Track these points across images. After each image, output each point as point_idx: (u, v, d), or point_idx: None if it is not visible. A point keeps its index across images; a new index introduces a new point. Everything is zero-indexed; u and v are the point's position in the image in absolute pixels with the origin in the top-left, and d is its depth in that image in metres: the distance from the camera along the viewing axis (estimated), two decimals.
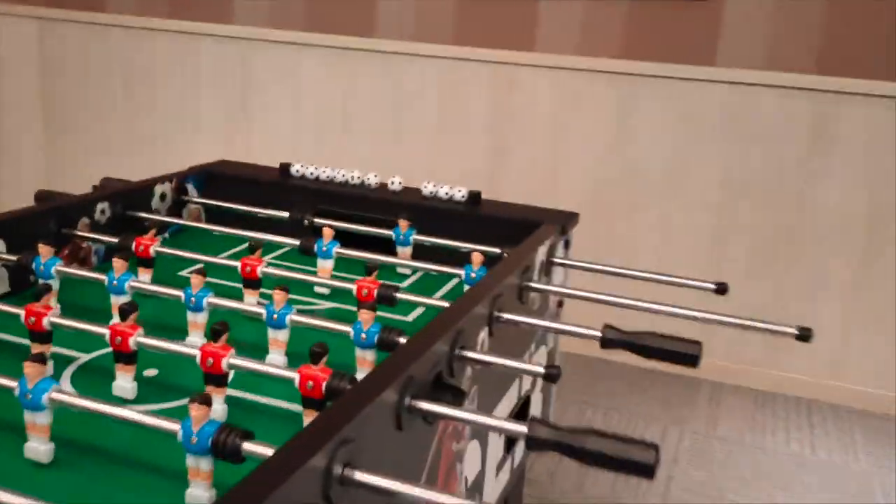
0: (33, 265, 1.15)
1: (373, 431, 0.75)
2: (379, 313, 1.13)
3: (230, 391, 0.94)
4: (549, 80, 2.69)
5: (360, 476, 0.69)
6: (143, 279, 1.27)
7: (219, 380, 0.91)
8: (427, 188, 1.54)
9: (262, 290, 1.22)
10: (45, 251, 1.15)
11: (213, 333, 0.91)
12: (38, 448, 0.81)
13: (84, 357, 1.06)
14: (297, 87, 3.06)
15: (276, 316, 1.04)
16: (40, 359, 0.80)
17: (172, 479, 0.79)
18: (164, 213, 1.55)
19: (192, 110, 3.26)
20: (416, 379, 0.84)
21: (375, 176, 1.59)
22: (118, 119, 3.41)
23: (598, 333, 1.05)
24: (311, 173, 1.62)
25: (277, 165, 1.66)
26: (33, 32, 3.50)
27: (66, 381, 0.99)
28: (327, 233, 1.34)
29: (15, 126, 3.63)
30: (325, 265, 1.33)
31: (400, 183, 1.57)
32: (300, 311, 1.05)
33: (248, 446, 0.72)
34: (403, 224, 1.43)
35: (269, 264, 1.22)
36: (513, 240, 1.37)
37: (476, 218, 1.50)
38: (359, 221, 1.51)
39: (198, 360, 0.90)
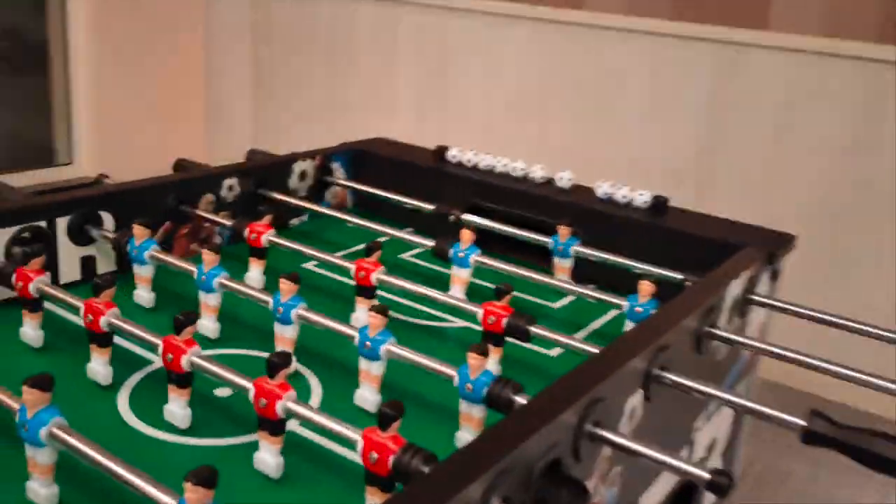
0: (127, 247, 1.02)
1: None
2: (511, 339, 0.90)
3: None
4: (782, 65, 2.27)
5: None
6: (253, 273, 1.11)
7: (273, 426, 0.71)
8: (601, 188, 1.26)
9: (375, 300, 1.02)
10: (139, 233, 1.01)
11: (269, 367, 0.71)
12: (39, 492, 0.65)
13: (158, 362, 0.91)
14: (493, 63, 2.85)
15: (369, 344, 0.82)
16: (42, 383, 0.64)
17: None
18: (303, 194, 1.39)
19: (387, 82, 3.15)
20: (517, 468, 0.59)
21: (541, 168, 1.33)
22: (319, 87, 3.37)
23: (801, 422, 0.74)
24: (469, 160, 1.39)
25: (452, 147, 1.43)
26: (246, 4, 3.55)
27: (125, 392, 0.84)
28: (466, 236, 1.10)
29: (227, 92, 3.72)
30: (461, 274, 1.10)
31: (570, 180, 1.30)
32: (425, 329, 0.83)
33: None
34: (564, 231, 1.16)
35: (396, 268, 1.01)
36: (701, 264, 1.06)
37: (658, 231, 1.20)
38: (514, 222, 1.26)
39: (250, 397, 0.71)
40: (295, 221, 1.38)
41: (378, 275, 1.00)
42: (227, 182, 1.25)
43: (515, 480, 0.60)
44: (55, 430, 0.63)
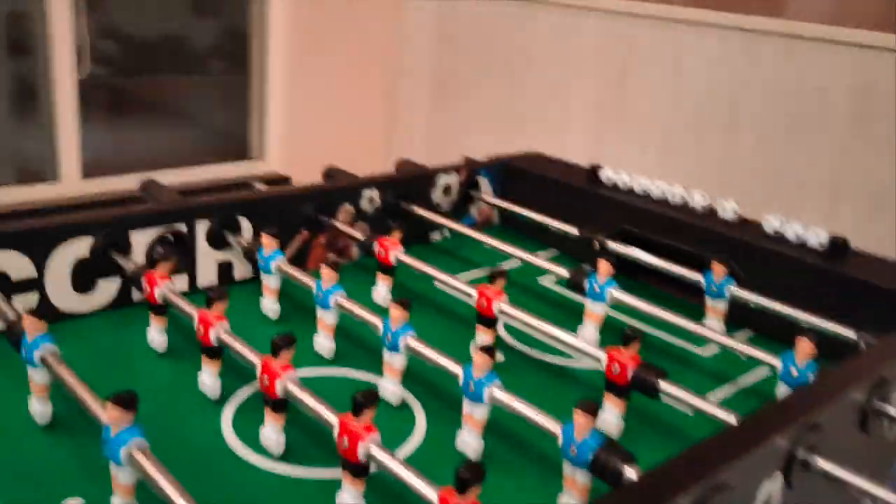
0: (256, 255, 1.02)
1: None
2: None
3: None
4: None
5: None
6: (380, 289, 1.08)
7: (355, 469, 0.67)
8: (771, 224, 1.12)
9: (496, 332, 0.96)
10: (267, 243, 1.01)
11: (354, 406, 0.66)
12: None
13: None
14: (677, 75, 2.68)
15: (473, 386, 0.76)
16: (125, 401, 0.63)
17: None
18: (446, 209, 1.35)
19: (563, 92, 3.06)
20: None
21: (703, 196, 1.20)
22: (493, 95, 3.35)
23: None
24: (624, 182, 1.28)
25: (606, 166, 1.34)
26: (434, 8, 3.58)
27: (232, 406, 0.83)
28: (604, 268, 1.01)
29: (408, 95, 3.78)
30: (595, 309, 1.01)
31: (734, 211, 1.17)
32: (548, 368, 0.76)
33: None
34: (718, 269, 1.04)
35: (530, 293, 0.94)
36: (883, 322, 0.91)
37: (832, 278, 1.04)
38: (665, 253, 1.15)
39: (335, 434, 0.67)
40: (436, 236, 1.34)
41: (500, 305, 0.93)
42: (368, 193, 1.23)
43: None
44: (133, 452, 0.62)
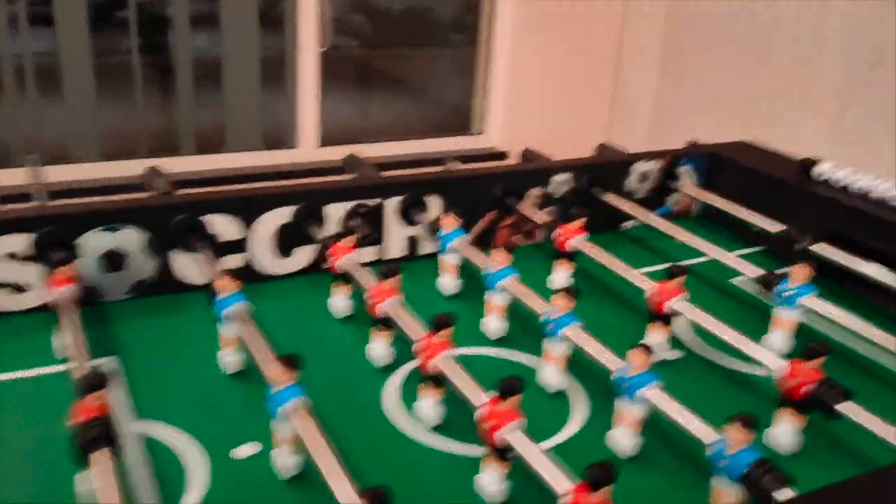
0: (437, 234, 1.05)
1: None
2: None
3: None
4: None
5: None
6: (558, 276, 1.07)
7: (497, 451, 0.68)
8: None
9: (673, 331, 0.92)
10: (447, 222, 1.04)
11: (501, 392, 0.67)
12: (285, 460, 0.70)
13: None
14: None
15: (628, 384, 0.74)
16: (289, 362, 0.68)
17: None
18: (640, 196, 1.30)
19: (802, 82, 2.82)
20: None
21: None
22: (725, 82, 3.16)
23: None
24: (839, 180, 1.17)
25: (823, 161, 1.23)
26: None
27: (398, 376, 0.88)
28: (798, 273, 0.93)
29: (634, 76, 3.67)
30: (783, 316, 0.94)
31: None
32: (725, 373, 0.73)
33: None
34: None
35: (722, 293, 0.90)
36: None
37: None
38: (879, 260, 1.04)
39: (479, 415, 0.68)
40: (628, 224, 1.30)
41: (674, 304, 0.89)
42: (558, 178, 1.22)
43: None
44: (290, 410, 0.67)
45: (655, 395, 0.72)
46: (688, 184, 1.33)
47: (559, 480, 0.61)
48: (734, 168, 1.31)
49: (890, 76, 2.51)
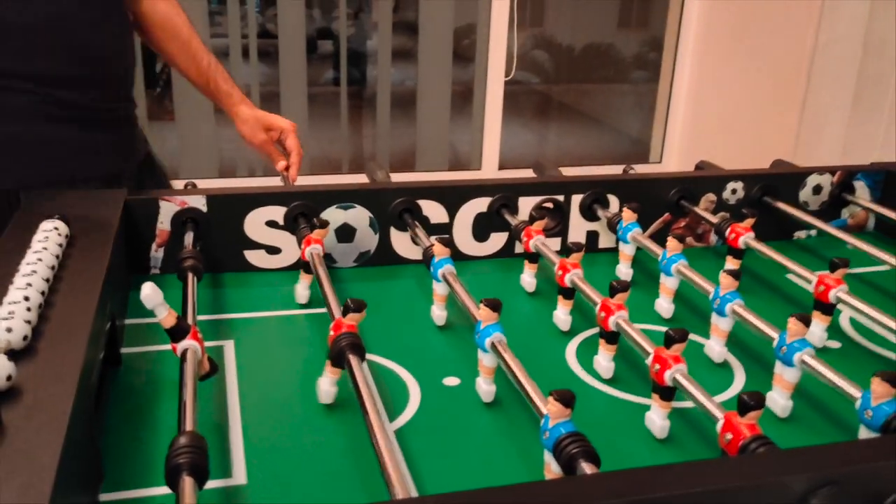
0: (617, 226, 1.19)
1: None
2: None
3: None
4: None
5: None
6: (728, 266, 1.17)
7: (662, 391, 0.80)
8: None
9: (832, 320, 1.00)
10: (626, 216, 1.17)
11: (666, 340, 0.80)
12: (483, 387, 0.86)
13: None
14: None
15: (785, 349, 0.84)
16: (492, 305, 0.84)
17: None
18: (813, 208, 1.37)
19: None
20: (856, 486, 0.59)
21: None
22: None
23: None
24: None
25: None
26: (860, 7, 3.38)
27: (577, 339, 1.02)
28: None
29: (826, 101, 3.60)
30: None
31: None
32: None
33: None
34: None
35: (884, 299, 0.97)
36: None
37: None
38: None
39: (648, 361, 0.81)
40: (801, 234, 1.37)
41: (837, 292, 0.98)
42: (732, 185, 1.32)
43: (855, 499, 0.59)
44: (499, 339, 0.83)
45: (809, 359, 0.82)
46: (863, 198, 1.38)
47: (716, 410, 0.72)
48: None
49: None
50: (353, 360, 0.77)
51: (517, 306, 1.12)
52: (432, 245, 1.03)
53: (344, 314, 0.81)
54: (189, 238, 1.08)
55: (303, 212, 1.14)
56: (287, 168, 1.45)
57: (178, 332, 0.77)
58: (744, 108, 3.68)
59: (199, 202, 1.11)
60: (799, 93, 3.69)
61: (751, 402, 0.68)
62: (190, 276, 0.95)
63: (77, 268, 0.84)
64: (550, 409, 0.67)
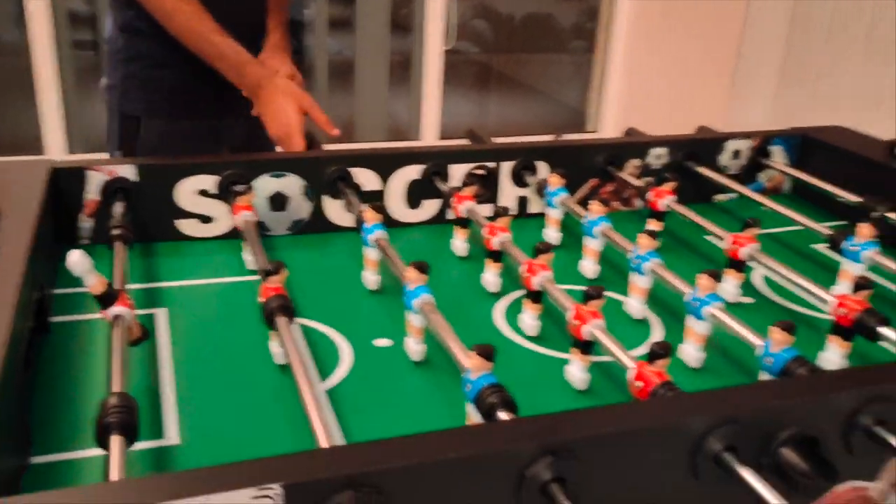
0: (544, 192, 1.22)
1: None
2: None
3: None
4: None
5: None
6: (650, 227, 1.22)
7: (581, 345, 0.84)
8: None
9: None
10: (553, 181, 1.21)
11: (585, 297, 0.84)
12: (411, 347, 0.89)
13: None
14: None
15: (696, 303, 0.89)
16: (421, 267, 0.87)
17: None
18: (733, 172, 1.43)
19: None
20: (752, 425, 0.63)
21: None
22: (849, 79, 3.17)
23: None
24: None
25: None
26: None
27: (506, 300, 1.05)
28: (863, 231, 1.05)
29: (754, 72, 3.70)
30: (849, 269, 1.05)
31: None
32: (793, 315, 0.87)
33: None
34: None
35: (801, 255, 1.02)
36: None
37: None
38: None
39: (568, 317, 0.85)
40: (721, 197, 1.43)
41: (748, 250, 1.03)
42: (656, 151, 1.36)
43: (751, 436, 0.64)
44: (427, 301, 0.86)
45: (717, 312, 0.87)
46: (779, 162, 1.44)
47: (628, 360, 0.76)
48: (824, 148, 1.41)
49: None
50: (282, 321, 0.79)
51: (449, 270, 1.15)
52: (363, 211, 1.05)
53: (264, 278, 0.83)
54: (119, 208, 1.08)
55: (235, 180, 1.14)
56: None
57: (107, 299, 0.78)
58: (677, 78, 3.76)
59: (128, 172, 1.11)
60: (730, 62, 3.79)
61: (660, 351, 0.73)
62: (119, 244, 0.96)
63: (1, 239, 0.84)
64: (472, 364, 0.70)
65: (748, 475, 0.61)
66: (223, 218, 1.16)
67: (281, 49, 1.47)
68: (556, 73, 4.33)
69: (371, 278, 1.05)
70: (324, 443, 0.62)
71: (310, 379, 0.71)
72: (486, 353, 0.69)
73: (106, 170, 1.10)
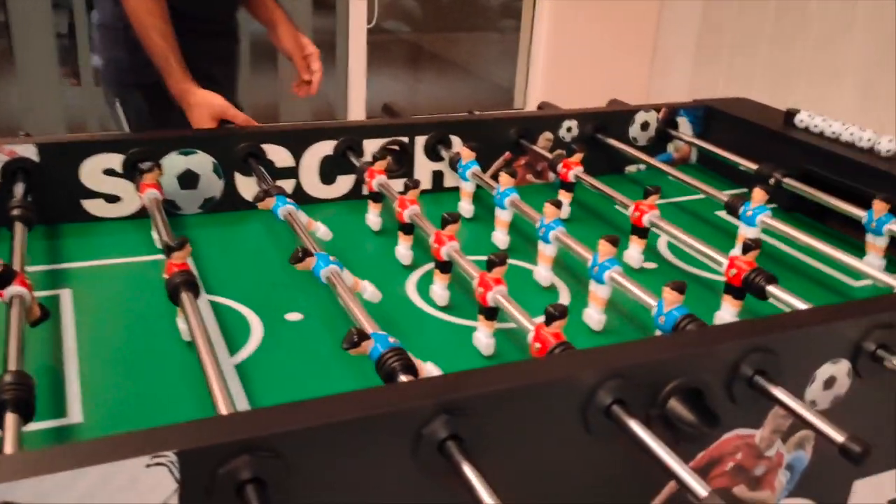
0: (457, 165, 1.24)
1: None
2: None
3: None
4: None
5: None
6: (560, 199, 1.25)
7: (486, 312, 0.86)
8: None
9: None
10: (465, 154, 1.22)
11: (488, 264, 0.86)
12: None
13: None
14: None
15: (597, 268, 0.92)
16: (297, 258, 0.88)
17: None
18: (642, 143, 1.47)
19: (835, 50, 2.92)
20: (642, 378, 0.66)
21: (890, 141, 1.21)
22: (762, 52, 3.26)
23: None
24: (816, 126, 1.32)
25: (802, 111, 1.38)
26: None
27: (418, 273, 1.07)
28: (757, 196, 1.10)
29: (672, 48, 3.78)
30: (745, 232, 1.10)
31: None
32: (694, 278, 0.90)
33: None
34: (879, 206, 1.08)
35: (701, 221, 1.06)
36: None
37: None
38: (841, 193, 1.19)
39: (474, 285, 0.87)
40: (631, 168, 1.47)
41: (651, 217, 1.07)
42: (567, 123, 1.39)
43: (638, 389, 0.67)
44: (330, 273, 0.87)
45: (617, 276, 0.90)
46: (685, 133, 1.49)
47: (527, 323, 0.79)
48: (727, 119, 1.47)
49: None
50: (186, 296, 0.79)
51: (363, 245, 1.16)
52: (267, 189, 1.05)
53: (168, 255, 0.83)
54: (19, 189, 1.05)
55: (141, 158, 1.13)
56: (309, 82, 1.55)
57: (3, 279, 0.76)
58: (600, 55, 3.81)
59: (29, 151, 1.08)
60: (649, 38, 3.86)
61: (555, 312, 0.75)
62: (18, 225, 0.94)
63: None
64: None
65: (636, 426, 0.64)
66: (131, 197, 1.14)
67: (291, 25, 1.59)
68: (487, 51, 4.36)
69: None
70: (223, 411, 0.63)
71: (214, 354, 0.72)
72: (361, 335, 0.71)
73: (6, 150, 1.07)
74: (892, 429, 0.85)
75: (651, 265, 1.11)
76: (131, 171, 1.13)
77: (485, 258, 0.98)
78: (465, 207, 1.24)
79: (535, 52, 3.90)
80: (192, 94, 1.30)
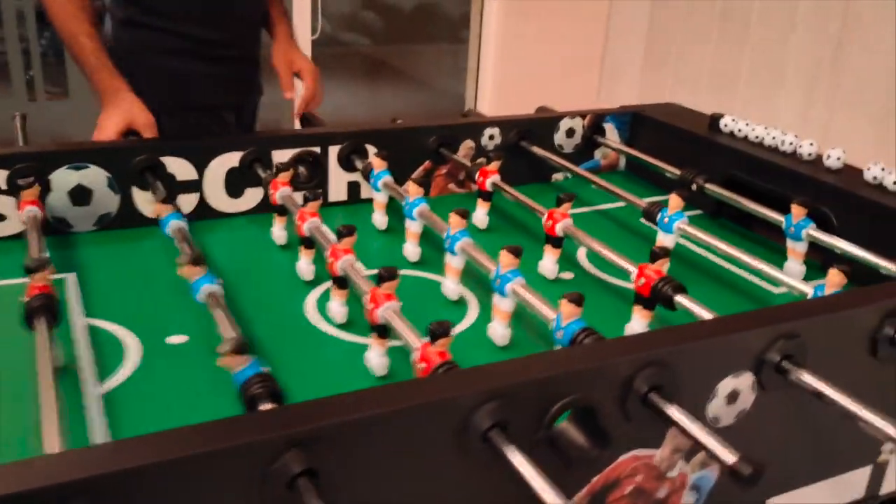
0: (369, 175, 1.19)
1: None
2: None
3: None
4: None
5: None
6: (479, 213, 1.20)
7: (378, 329, 0.81)
8: (871, 171, 1.09)
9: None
10: (376, 163, 1.17)
11: (379, 279, 0.80)
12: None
13: None
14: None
15: (499, 281, 0.87)
16: (197, 259, 0.82)
17: None
18: (568, 151, 1.43)
19: (778, 55, 2.92)
20: (529, 398, 0.61)
21: (811, 144, 1.19)
22: (706, 55, 3.26)
23: None
24: (740, 130, 1.29)
25: (726, 115, 1.35)
26: None
27: (322, 288, 1.01)
28: (674, 202, 1.06)
29: (622, 52, 3.77)
30: (663, 240, 1.06)
31: (839, 159, 1.14)
32: (607, 287, 0.86)
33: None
34: (797, 211, 1.04)
35: (624, 228, 1.02)
36: None
37: None
38: (764, 198, 1.16)
39: (365, 301, 0.82)
40: (558, 176, 1.43)
41: (564, 225, 1.02)
42: (489, 131, 1.35)
43: (524, 410, 0.61)
44: (210, 292, 0.81)
45: (519, 289, 0.85)
46: (612, 140, 1.45)
47: (415, 340, 0.74)
48: (653, 125, 1.43)
49: (855, 54, 2.61)
50: (39, 323, 0.73)
51: (266, 261, 1.10)
52: (159, 207, 0.99)
53: (28, 274, 0.76)
54: None
55: (26, 174, 1.06)
56: (292, 99, 1.49)
57: None
58: (550, 64, 3.80)
59: None
60: (598, 46, 3.85)
61: (439, 330, 0.70)
62: None
63: None
64: (232, 360, 0.66)
65: (511, 453, 0.59)
66: (15, 216, 1.07)
67: (292, 40, 1.53)
68: (442, 63, 4.33)
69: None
70: (52, 449, 0.56)
71: (59, 384, 0.65)
72: (241, 346, 0.65)
73: None
74: (808, 443, 0.81)
75: (568, 275, 1.07)
76: (15, 188, 1.06)
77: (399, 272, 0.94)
78: (378, 219, 1.19)
79: (485, 59, 3.87)
80: (121, 96, 1.21)
